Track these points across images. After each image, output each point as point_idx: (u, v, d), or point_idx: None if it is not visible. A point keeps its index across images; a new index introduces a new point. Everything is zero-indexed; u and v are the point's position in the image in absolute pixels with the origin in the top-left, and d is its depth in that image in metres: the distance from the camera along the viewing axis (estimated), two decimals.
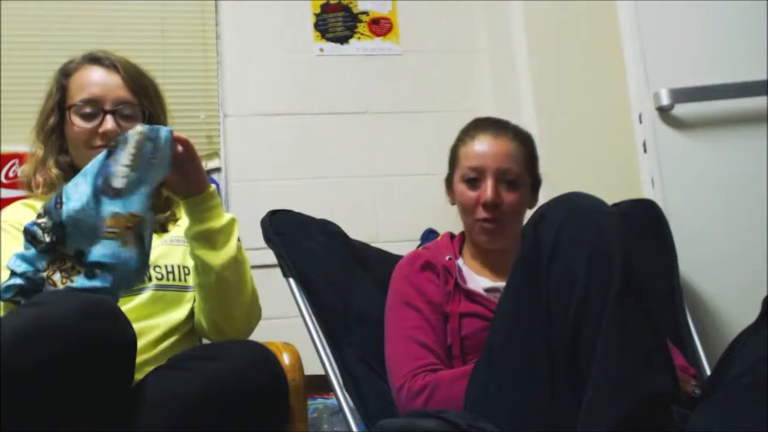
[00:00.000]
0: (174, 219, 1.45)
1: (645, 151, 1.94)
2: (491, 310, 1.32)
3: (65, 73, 1.38)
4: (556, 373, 1.05)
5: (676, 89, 1.92)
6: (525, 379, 1.08)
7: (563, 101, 2.24)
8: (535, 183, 1.48)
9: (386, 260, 1.62)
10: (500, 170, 1.40)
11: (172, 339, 1.31)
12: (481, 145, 1.42)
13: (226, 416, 0.99)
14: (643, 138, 1.95)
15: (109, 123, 1.32)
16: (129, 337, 0.98)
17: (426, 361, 1.29)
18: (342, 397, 1.32)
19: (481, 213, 1.40)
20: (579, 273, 1.04)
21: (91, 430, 0.94)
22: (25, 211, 1.35)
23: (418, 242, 1.91)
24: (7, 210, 1.37)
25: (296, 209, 1.67)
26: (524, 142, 1.46)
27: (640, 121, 1.98)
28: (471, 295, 1.36)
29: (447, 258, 1.43)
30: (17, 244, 1.28)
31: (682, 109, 1.95)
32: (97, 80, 1.35)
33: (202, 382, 0.99)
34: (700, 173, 1.91)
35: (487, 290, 1.40)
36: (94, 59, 1.38)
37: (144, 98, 1.38)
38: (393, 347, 1.35)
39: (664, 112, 1.94)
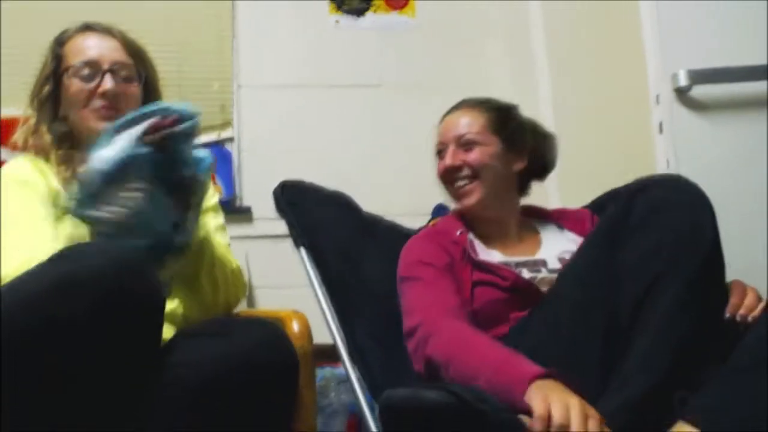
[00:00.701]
0: None
1: (661, 132, 1.93)
2: (505, 278, 1.33)
3: (60, 42, 1.40)
4: (610, 344, 1.10)
5: (694, 70, 1.91)
6: (578, 344, 1.13)
7: (579, 81, 2.22)
8: (510, 144, 1.49)
9: (397, 233, 1.62)
10: (456, 136, 1.47)
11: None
12: (444, 123, 1.54)
13: (244, 388, 1.00)
14: (659, 119, 1.94)
15: (108, 82, 1.34)
16: (160, 293, 1.00)
17: (446, 306, 1.31)
18: (349, 367, 1.33)
19: (450, 180, 1.48)
20: (663, 248, 1.09)
21: (121, 384, 0.95)
22: (27, 166, 1.36)
23: (429, 216, 1.91)
24: (9, 166, 1.39)
25: (308, 180, 1.67)
26: (484, 108, 1.51)
27: (657, 102, 1.97)
28: (484, 266, 1.37)
29: (458, 233, 1.44)
30: (28, 193, 1.30)
31: (699, 91, 1.93)
32: (93, 44, 1.38)
33: (220, 357, 1.01)
34: (716, 155, 1.90)
35: (502, 263, 1.40)
36: (88, 27, 1.41)
37: (140, 62, 1.41)
38: (409, 297, 1.36)
39: (681, 93, 1.93)
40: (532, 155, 1.52)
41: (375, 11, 2.61)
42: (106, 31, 1.40)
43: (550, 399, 0.98)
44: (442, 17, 2.62)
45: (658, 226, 1.11)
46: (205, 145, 2.41)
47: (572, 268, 1.27)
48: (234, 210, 2.36)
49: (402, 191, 2.41)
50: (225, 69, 2.53)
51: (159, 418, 0.98)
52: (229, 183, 2.42)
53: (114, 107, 1.34)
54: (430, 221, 1.77)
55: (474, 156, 1.45)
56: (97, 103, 1.34)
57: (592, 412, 0.98)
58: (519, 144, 1.50)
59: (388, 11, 2.62)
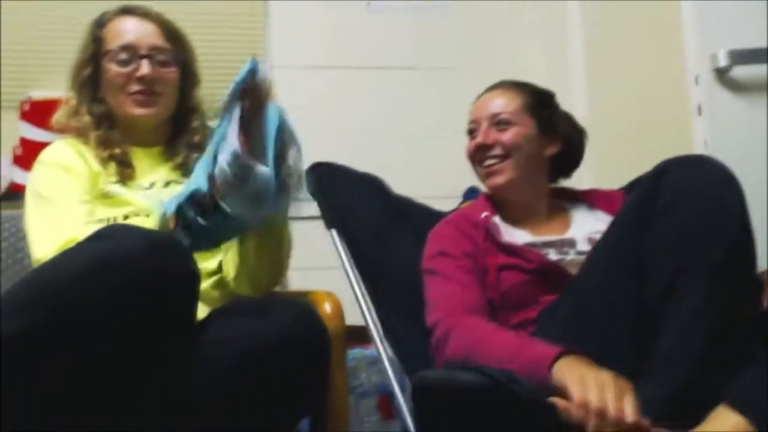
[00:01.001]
0: None
1: (699, 113, 1.90)
2: (530, 260, 1.33)
3: (99, 25, 1.42)
4: (638, 331, 1.10)
5: (734, 50, 1.87)
6: (606, 330, 1.13)
7: (616, 62, 2.19)
8: (545, 128, 1.48)
9: (428, 215, 1.62)
10: (490, 115, 1.47)
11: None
12: (478, 102, 1.53)
13: (277, 368, 1.01)
14: (698, 101, 1.91)
15: (144, 67, 1.35)
16: (194, 273, 1.01)
17: (465, 302, 1.31)
18: (381, 348, 1.34)
19: (481, 159, 1.47)
20: (688, 234, 1.08)
21: (156, 362, 0.97)
22: (67, 150, 1.39)
23: (460, 199, 1.91)
24: (50, 150, 1.41)
25: (339, 162, 1.67)
26: (521, 89, 1.50)
27: (696, 83, 1.93)
28: (508, 249, 1.36)
29: (483, 216, 1.44)
30: (68, 177, 1.32)
31: (739, 72, 1.89)
32: (131, 28, 1.39)
33: (253, 336, 1.01)
34: (756, 137, 1.86)
35: (528, 245, 1.39)
36: (127, 10, 1.43)
37: (177, 45, 1.42)
38: (429, 291, 1.37)
39: (721, 74, 1.89)
40: (565, 143, 1.50)
41: None
42: (144, 14, 1.42)
43: (586, 381, 0.98)
44: None
45: (683, 210, 1.10)
46: None
47: (598, 253, 1.26)
48: None
49: (433, 174, 2.40)
50: (257, 49, 2.53)
51: (193, 395, 0.99)
52: None
53: (150, 92, 1.36)
54: (460, 204, 1.77)
55: (507, 136, 1.44)
56: (134, 87, 1.36)
57: (626, 388, 0.98)
58: (553, 129, 1.49)
59: None
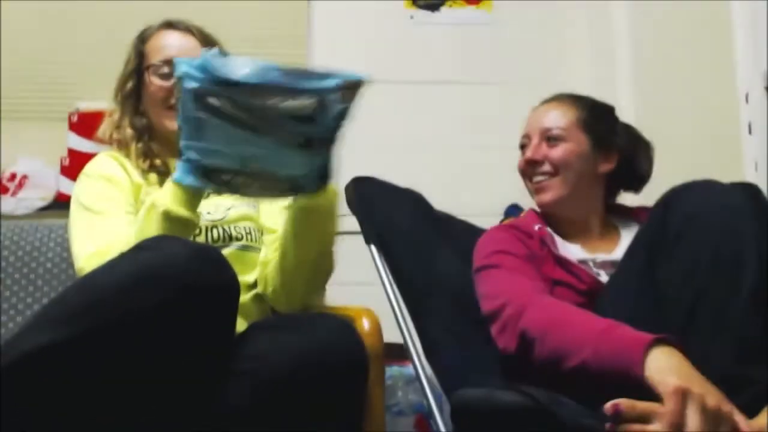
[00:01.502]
0: None
1: (750, 132, 1.86)
2: (583, 281, 1.31)
3: (142, 39, 1.46)
4: None
5: None
6: None
7: (664, 79, 2.16)
8: (599, 144, 1.44)
9: (470, 232, 1.60)
10: (541, 129, 1.44)
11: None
12: (531, 115, 1.50)
13: (315, 384, 1.01)
14: (748, 119, 1.87)
15: None
16: (234, 284, 1.02)
17: (535, 285, 1.28)
18: (419, 365, 1.33)
19: (530, 174, 1.45)
20: (704, 261, 1.05)
21: (195, 374, 0.97)
22: (111, 162, 1.42)
23: (502, 217, 1.89)
24: (94, 162, 1.44)
25: (379, 177, 1.67)
26: (576, 103, 1.47)
27: (747, 101, 1.89)
28: (564, 263, 1.34)
29: (536, 227, 1.42)
30: (111, 188, 1.34)
31: None
32: (173, 42, 1.43)
33: (292, 352, 1.01)
34: None
35: (581, 262, 1.37)
36: (169, 24, 1.46)
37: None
38: (490, 282, 1.34)
39: None
40: (622, 159, 1.47)
41: (451, 6, 2.59)
42: (185, 28, 1.45)
43: (688, 393, 0.90)
44: (520, 12, 2.58)
45: (694, 241, 1.07)
46: None
47: (615, 286, 1.23)
48: None
49: (473, 190, 2.39)
50: (300, 63, 2.56)
51: (230, 409, 0.99)
52: None
53: None
54: (502, 221, 1.75)
55: (557, 152, 1.41)
56: (173, 101, 1.36)
57: (727, 409, 0.91)
58: (608, 145, 1.45)
59: (464, 5, 2.60)
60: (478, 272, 1.37)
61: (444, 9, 2.60)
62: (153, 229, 1.14)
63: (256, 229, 1.42)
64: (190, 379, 0.97)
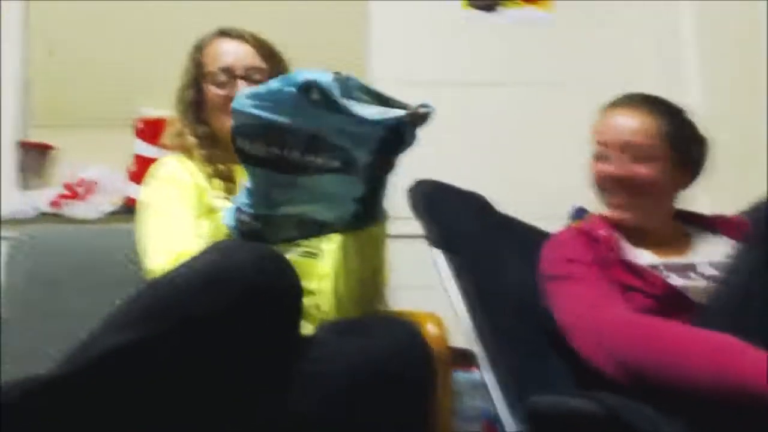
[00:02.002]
0: None
1: None
2: (654, 285, 1.28)
3: (198, 48, 1.49)
4: None
5: None
6: None
7: (732, 81, 2.10)
8: (680, 158, 1.39)
9: (535, 234, 1.59)
10: (623, 142, 1.37)
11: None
12: (609, 120, 1.41)
13: (382, 388, 1.02)
14: None
15: (240, 88, 1.40)
16: (297, 288, 1.04)
17: (611, 295, 1.25)
18: (486, 372, 1.32)
19: (610, 189, 1.39)
20: None
21: (260, 376, 0.99)
22: (177, 165, 1.46)
23: (565, 220, 1.86)
24: (161, 165, 1.48)
25: (441, 180, 1.67)
26: (655, 110, 1.40)
27: None
28: (633, 269, 1.32)
29: (604, 233, 1.40)
30: (177, 191, 1.38)
31: None
32: (228, 50, 1.46)
33: (360, 356, 1.02)
34: None
35: (651, 266, 1.35)
36: (223, 33, 1.49)
37: (273, 63, 1.47)
38: (562, 294, 1.32)
39: None
40: (694, 166, 1.44)
41: (509, 6, 2.57)
42: (239, 36, 1.48)
43: None
44: (582, 10, 2.54)
45: None
46: None
47: (729, 286, 1.19)
48: None
49: (536, 193, 2.36)
50: (357, 64, 2.57)
51: (295, 411, 1.00)
52: None
53: None
54: (568, 225, 1.73)
55: (646, 172, 1.35)
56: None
57: None
58: (688, 158, 1.41)
59: (523, 5, 2.57)
60: (549, 281, 1.36)
61: (502, 9, 2.57)
62: None
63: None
64: (255, 382, 0.99)
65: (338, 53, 2.55)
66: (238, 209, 1.11)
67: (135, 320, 0.94)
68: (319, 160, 1.01)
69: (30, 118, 2.54)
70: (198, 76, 1.47)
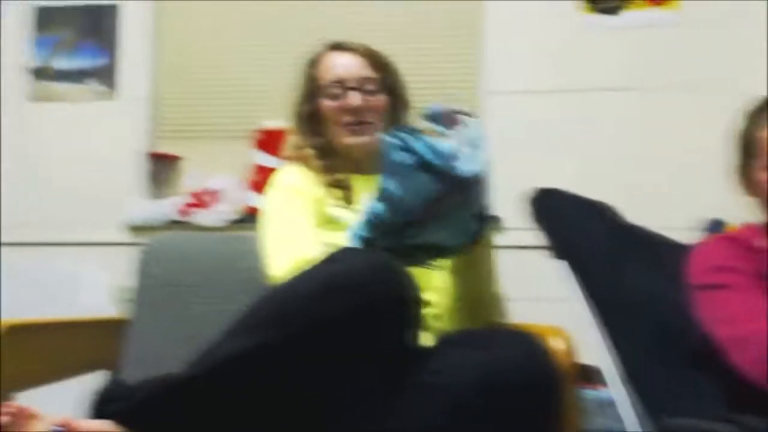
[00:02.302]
0: None
1: None
2: None
3: (312, 63, 1.52)
4: None
5: None
6: None
7: None
8: None
9: (669, 246, 1.51)
10: None
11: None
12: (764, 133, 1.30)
13: (505, 403, 0.99)
14: None
15: (354, 98, 1.43)
16: (414, 297, 1.03)
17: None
18: (617, 389, 1.26)
19: None
20: None
21: (378, 384, 1.00)
22: (297, 174, 1.48)
23: (703, 232, 1.76)
24: (282, 174, 1.51)
25: (565, 189, 1.62)
26: None
27: None
28: None
29: (759, 243, 1.30)
30: (298, 200, 1.41)
31: None
32: (340, 63, 1.48)
33: (482, 369, 1.00)
34: None
35: None
36: (335, 46, 1.51)
37: (384, 73, 1.48)
38: (718, 305, 1.25)
39: None
40: None
41: (632, 8, 2.48)
42: (350, 48, 1.50)
43: None
44: (711, 10, 2.41)
45: None
46: None
47: None
48: None
49: (664, 202, 2.27)
50: (472, 75, 2.56)
51: (411, 422, 0.99)
52: None
53: (361, 122, 1.43)
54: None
55: None
56: (346, 118, 1.44)
57: None
58: None
59: (647, 7, 2.47)
60: (700, 291, 1.28)
61: (625, 12, 2.48)
62: None
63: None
64: (373, 390, 0.99)
65: (450, 64, 2.55)
66: (362, 237, 1.14)
67: (258, 326, 0.97)
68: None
69: (158, 131, 2.68)
70: (312, 89, 1.50)
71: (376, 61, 1.48)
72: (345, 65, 1.47)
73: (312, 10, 2.62)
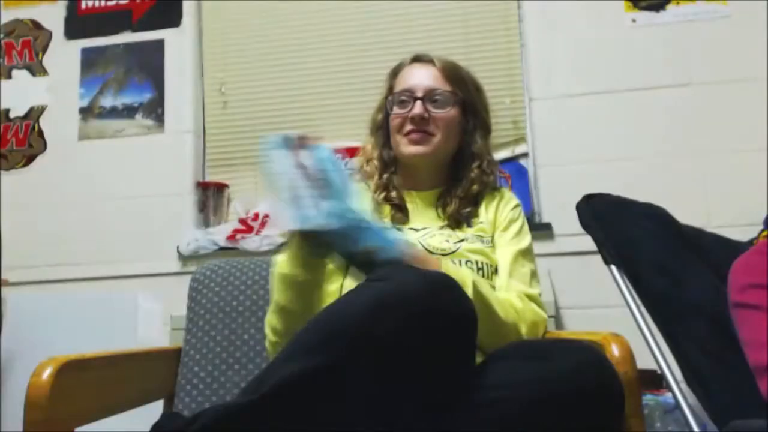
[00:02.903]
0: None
1: None
2: None
3: (394, 73, 1.53)
4: None
5: None
6: None
7: None
8: None
9: (724, 245, 1.49)
10: None
11: None
12: None
13: (565, 416, 0.97)
14: None
15: (416, 108, 1.42)
16: (471, 313, 1.01)
17: None
18: (679, 394, 1.23)
19: None
20: None
21: (433, 402, 0.98)
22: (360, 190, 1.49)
23: (761, 227, 1.71)
24: None
25: (615, 193, 1.60)
26: None
27: None
28: None
29: None
30: None
31: None
32: (414, 74, 1.48)
33: (538, 381, 0.99)
34: None
35: None
36: (416, 59, 1.51)
37: (458, 87, 1.46)
38: (749, 328, 1.22)
39: None
40: None
41: (677, 3, 2.44)
42: (429, 60, 1.49)
43: None
44: (761, 2, 2.36)
45: None
46: (500, 162, 2.44)
47: None
48: (533, 227, 2.36)
49: (723, 200, 2.21)
50: (515, 83, 2.56)
51: None
52: (526, 200, 2.43)
53: (422, 131, 1.42)
54: (762, 232, 1.59)
55: None
56: (407, 127, 1.43)
57: None
58: None
59: (694, 0, 2.43)
60: (734, 308, 1.26)
61: (670, 7, 2.46)
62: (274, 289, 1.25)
63: (489, 265, 1.40)
64: (429, 411, 0.98)
65: (494, 73, 2.55)
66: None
67: (311, 349, 0.96)
68: None
69: (206, 161, 2.75)
70: (387, 99, 1.51)
71: (452, 74, 1.47)
72: (419, 76, 1.47)
73: (352, 28, 2.69)
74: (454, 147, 1.47)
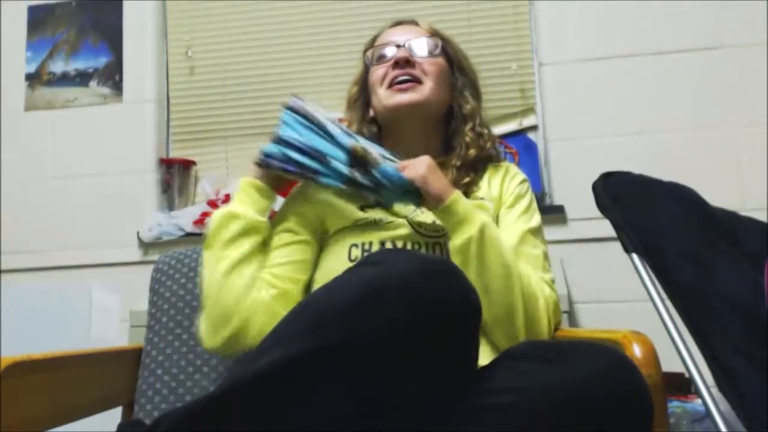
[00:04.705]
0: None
1: None
2: None
3: (371, 42, 1.54)
4: None
5: None
6: None
7: None
8: None
9: (761, 231, 1.48)
10: None
11: None
12: None
13: (584, 424, 0.96)
14: None
15: (400, 52, 1.43)
16: (473, 299, 1.01)
17: None
18: (709, 399, 1.23)
19: None
20: None
21: (433, 403, 0.97)
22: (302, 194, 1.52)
23: None
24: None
25: (635, 171, 1.59)
26: None
27: None
28: None
29: None
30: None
31: None
32: (393, 32, 1.50)
33: (557, 385, 0.98)
34: None
35: None
36: (393, 24, 1.54)
37: (445, 42, 1.49)
38: None
39: None
40: None
41: None
42: (411, 21, 1.52)
43: None
44: None
45: None
46: (506, 136, 2.43)
47: None
48: (543, 210, 2.35)
49: (757, 179, 2.22)
50: (523, 45, 2.54)
51: None
52: (536, 178, 2.42)
53: (409, 78, 1.42)
54: None
55: None
56: (390, 75, 1.43)
57: None
58: None
59: None
60: None
61: None
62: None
63: None
64: (428, 407, 0.97)
65: (499, 35, 2.54)
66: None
67: (291, 339, 0.96)
68: None
69: (171, 134, 2.73)
70: (365, 71, 1.51)
71: (437, 32, 1.49)
72: (398, 32, 1.49)
73: None
74: (444, 102, 1.47)
